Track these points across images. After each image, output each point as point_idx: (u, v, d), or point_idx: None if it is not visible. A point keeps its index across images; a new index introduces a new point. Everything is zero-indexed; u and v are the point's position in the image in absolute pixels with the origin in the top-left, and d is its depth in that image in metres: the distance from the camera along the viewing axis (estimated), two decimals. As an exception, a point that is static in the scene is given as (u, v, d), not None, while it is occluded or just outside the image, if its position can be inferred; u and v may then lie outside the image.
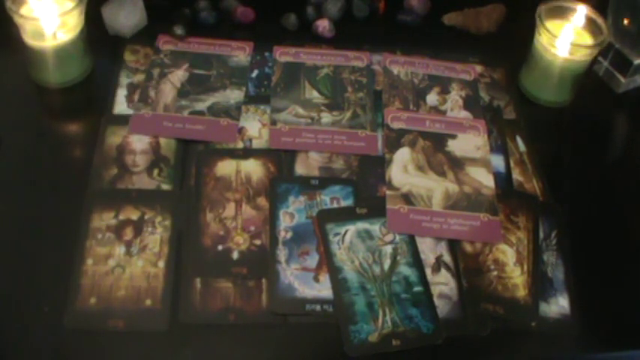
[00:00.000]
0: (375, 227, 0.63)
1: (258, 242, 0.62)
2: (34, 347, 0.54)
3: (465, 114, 0.75)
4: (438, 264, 0.62)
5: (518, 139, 0.73)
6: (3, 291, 0.56)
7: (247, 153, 0.68)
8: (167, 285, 0.58)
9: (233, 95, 0.73)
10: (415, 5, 0.85)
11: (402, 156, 0.69)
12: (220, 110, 0.71)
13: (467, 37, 0.84)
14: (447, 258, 0.62)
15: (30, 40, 0.68)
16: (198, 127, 0.69)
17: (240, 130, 0.70)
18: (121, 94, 0.72)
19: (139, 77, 0.74)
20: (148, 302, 0.57)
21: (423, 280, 0.60)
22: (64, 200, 0.60)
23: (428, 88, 0.77)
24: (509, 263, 0.62)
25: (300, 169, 0.68)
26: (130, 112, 0.70)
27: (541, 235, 0.65)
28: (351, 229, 0.63)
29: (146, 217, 0.62)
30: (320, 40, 0.81)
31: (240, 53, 0.78)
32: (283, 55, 0.78)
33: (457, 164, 0.69)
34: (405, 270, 0.61)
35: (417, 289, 0.60)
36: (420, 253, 0.62)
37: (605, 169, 0.73)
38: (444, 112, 0.75)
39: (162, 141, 0.68)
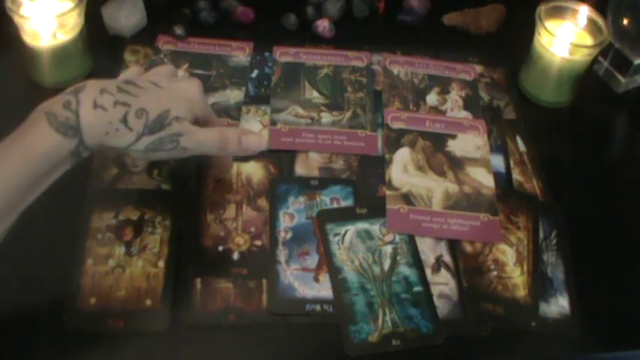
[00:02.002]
0: (375, 227, 0.63)
1: (258, 243, 0.62)
2: (34, 347, 0.54)
3: (464, 114, 0.75)
4: (438, 264, 0.62)
5: (518, 139, 0.73)
6: (3, 291, 0.56)
7: (248, 155, 0.68)
8: (167, 285, 0.58)
9: (233, 95, 0.73)
10: (415, 5, 0.85)
11: (402, 156, 0.69)
12: (220, 110, 0.71)
13: (467, 37, 0.84)
14: (447, 258, 0.62)
15: (30, 40, 0.68)
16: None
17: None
18: (121, 94, 0.72)
19: (139, 77, 0.74)
20: (148, 302, 0.57)
21: (423, 280, 0.60)
22: (64, 200, 0.60)
23: (428, 88, 0.77)
24: (509, 263, 0.62)
25: (300, 170, 0.68)
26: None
27: (541, 235, 0.65)
28: (351, 229, 0.63)
29: (146, 217, 0.62)
30: (320, 40, 0.81)
31: (240, 53, 0.78)
32: (283, 55, 0.78)
33: (457, 164, 0.69)
34: (405, 270, 0.61)
35: (417, 289, 0.60)
36: (420, 253, 0.62)
37: (605, 169, 0.73)
38: (444, 112, 0.75)
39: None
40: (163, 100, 0.54)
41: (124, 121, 0.52)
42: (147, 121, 0.53)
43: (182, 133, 0.55)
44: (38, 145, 0.49)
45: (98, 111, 0.51)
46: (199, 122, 0.58)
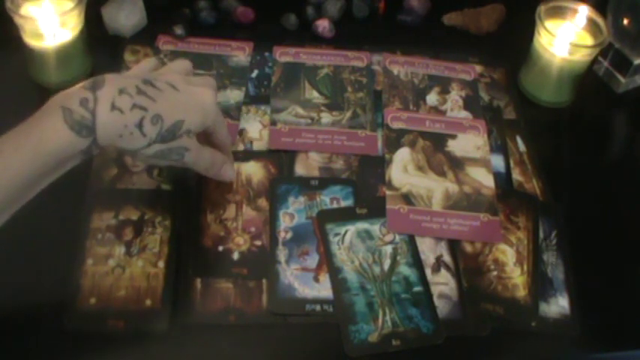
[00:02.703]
0: (375, 227, 0.63)
1: (258, 243, 0.62)
2: (34, 347, 0.54)
3: (465, 114, 0.75)
4: (438, 264, 0.62)
5: (518, 139, 0.73)
6: (3, 291, 0.56)
7: (248, 155, 0.68)
8: (167, 285, 0.58)
9: (233, 95, 0.73)
10: (415, 5, 0.85)
11: (402, 156, 0.69)
12: (220, 110, 0.71)
13: (467, 37, 0.84)
14: (447, 258, 0.62)
15: (30, 40, 0.68)
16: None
17: (241, 133, 0.70)
18: (121, 94, 0.72)
19: (139, 77, 0.74)
20: (148, 302, 0.57)
21: (423, 280, 0.60)
22: (64, 200, 0.60)
23: (428, 88, 0.77)
24: (509, 263, 0.62)
25: (300, 170, 0.68)
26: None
27: (541, 235, 0.65)
28: (351, 229, 0.63)
29: (146, 217, 0.62)
30: (320, 40, 0.81)
31: (240, 53, 0.78)
32: (283, 55, 0.78)
33: (457, 164, 0.69)
34: (405, 270, 0.61)
35: (417, 289, 0.60)
36: (420, 253, 0.62)
37: (605, 169, 0.73)
38: (444, 112, 0.75)
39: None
40: (179, 108, 0.54)
41: (140, 126, 0.52)
42: (161, 129, 0.53)
43: (189, 149, 0.56)
44: (51, 140, 0.49)
45: (115, 113, 0.51)
46: (209, 130, 0.59)
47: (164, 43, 0.78)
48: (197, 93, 0.57)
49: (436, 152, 0.70)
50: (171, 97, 0.54)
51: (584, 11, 0.75)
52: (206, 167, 0.60)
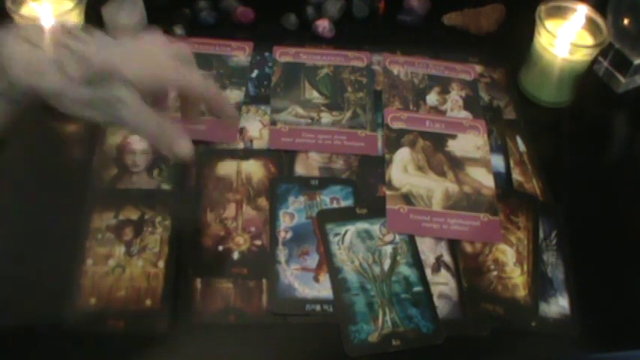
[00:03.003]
0: (375, 227, 0.63)
1: (258, 243, 0.62)
2: (34, 347, 0.54)
3: (465, 114, 0.75)
4: (438, 264, 0.62)
5: (518, 139, 0.73)
6: (3, 291, 0.56)
7: (248, 154, 0.68)
8: (167, 285, 0.58)
9: (233, 95, 0.73)
10: (415, 5, 0.85)
11: (402, 156, 0.69)
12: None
13: (467, 37, 0.84)
14: (447, 258, 0.62)
15: (30, 40, 0.68)
16: (199, 127, 0.69)
17: (241, 131, 0.70)
18: (121, 94, 0.72)
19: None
20: (148, 302, 0.57)
21: (423, 280, 0.60)
22: (64, 200, 0.60)
23: (428, 88, 0.77)
24: (509, 263, 0.62)
25: (300, 170, 0.68)
26: (130, 112, 0.70)
27: (541, 235, 0.65)
28: (351, 229, 0.63)
29: (146, 217, 0.62)
30: (320, 40, 0.81)
31: (240, 53, 0.78)
32: (283, 55, 0.78)
33: (457, 164, 0.69)
34: (405, 270, 0.61)
35: (417, 289, 0.60)
36: (420, 253, 0.62)
37: (605, 169, 0.73)
38: (444, 112, 0.75)
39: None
40: (114, 54, 0.48)
41: (61, 63, 0.46)
42: (87, 71, 0.46)
43: (125, 103, 0.47)
44: None
45: (28, 46, 0.46)
46: (180, 89, 0.53)
47: (164, 43, 0.78)
48: (143, 42, 0.50)
49: (436, 152, 0.70)
50: (105, 44, 0.48)
51: (584, 11, 0.75)
52: (152, 134, 0.50)
